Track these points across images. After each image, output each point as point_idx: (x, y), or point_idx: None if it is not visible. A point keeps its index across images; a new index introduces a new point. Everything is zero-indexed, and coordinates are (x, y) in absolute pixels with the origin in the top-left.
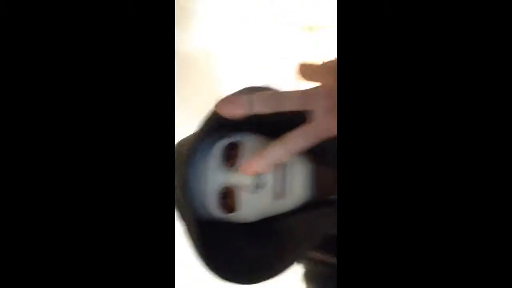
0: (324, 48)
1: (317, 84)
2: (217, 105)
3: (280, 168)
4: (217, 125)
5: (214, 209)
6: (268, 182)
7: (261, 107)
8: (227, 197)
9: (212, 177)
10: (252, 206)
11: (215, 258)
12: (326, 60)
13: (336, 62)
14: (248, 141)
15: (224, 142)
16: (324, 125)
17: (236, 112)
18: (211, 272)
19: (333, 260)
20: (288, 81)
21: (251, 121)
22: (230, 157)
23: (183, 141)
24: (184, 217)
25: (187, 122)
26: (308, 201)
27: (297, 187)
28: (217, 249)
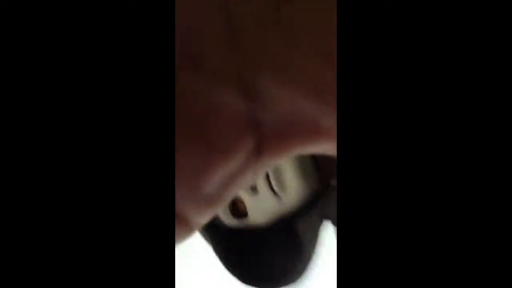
0: None
1: None
2: None
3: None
4: None
5: (227, 218)
6: (261, 185)
7: None
8: (236, 203)
9: None
10: (258, 211)
11: (239, 265)
12: None
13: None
14: None
15: None
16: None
17: None
18: (242, 282)
19: None
20: None
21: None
22: None
23: None
24: (202, 231)
25: None
26: (316, 190)
27: (293, 180)
28: (239, 255)
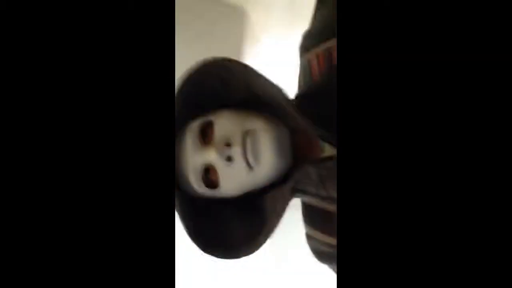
0: None
1: None
2: None
3: (248, 137)
4: (188, 104)
5: (197, 186)
6: (237, 154)
7: None
8: (209, 173)
9: (191, 158)
10: (230, 180)
11: (202, 233)
12: None
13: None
14: (221, 117)
15: (197, 122)
16: None
17: None
18: (199, 247)
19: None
20: None
21: (223, 96)
22: (205, 135)
23: None
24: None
25: None
26: (288, 168)
27: (268, 154)
28: (204, 224)
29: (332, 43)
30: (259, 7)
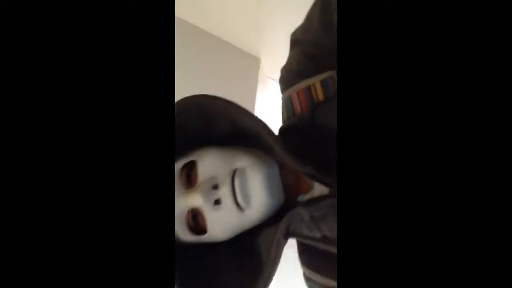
0: None
1: None
2: None
3: (237, 176)
4: None
5: (183, 233)
6: (225, 196)
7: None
8: (196, 218)
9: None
10: (218, 225)
11: (190, 283)
12: None
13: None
14: (205, 156)
15: (179, 164)
16: None
17: None
18: None
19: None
20: None
21: (206, 134)
22: (188, 177)
23: None
24: None
25: None
26: (280, 206)
27: (259, 194)
28: (191, 273)
29: (312, 81)
30: (269, 53)
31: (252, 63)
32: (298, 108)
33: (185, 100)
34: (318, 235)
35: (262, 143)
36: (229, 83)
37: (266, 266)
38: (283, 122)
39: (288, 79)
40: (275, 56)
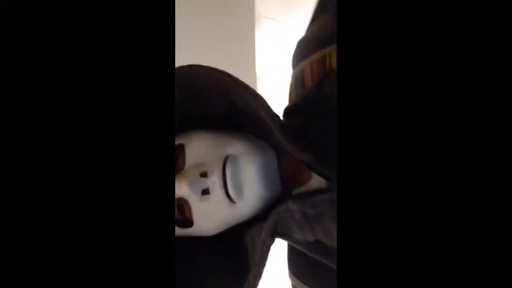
0: None
1: None
2: None
3: (229, 164)
4: None
5: None
6: (215, 186)
7: None
8: (183, 209)
9: None
10: (206, 217)
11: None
12: None
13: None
14: (194, 140)
15: None
16: None
17: None
18: None
19: None
20: None
21: (199, 113)
22: (175, 163)
23: None
24: None
25: None
26: (275, 200)
27: (253, 184)
28: (179, 272)
29: (329, 50)
30: None
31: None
32: (309, 81)
33: (177, 72)
34: (310, 238)
35: (259, 125)
36: (224, 25)
37: (251, 270)
38: (289, 102)
39: (304, 49)
40: None
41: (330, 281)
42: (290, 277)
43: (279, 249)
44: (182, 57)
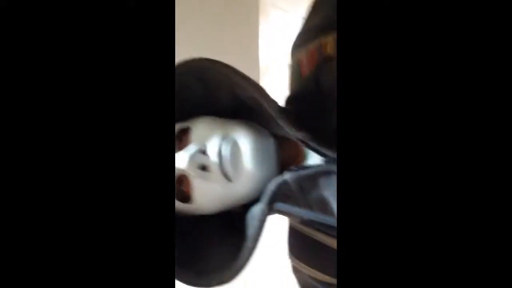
0: None
1: None
2: None
3: (226, 144)
4: None
5: None
6: (213, 164)
7: None
8: (182, 184)
9: None
10: (204, 194)
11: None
12: None
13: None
14: (200, 124)
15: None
16: None
17: None
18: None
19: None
20: None
21: (205, 102)
22: (180, 142)
23: None
24: None
25: None
26: (272, 179)
27: (249, 165)
28: (177, 247)
29: (325, 39)
30: None
31: None
32: (306, 70)
33: (185, 64)
34: (308, 213)
35: (260, 114)
36: (228, 15)
37: (247, 245)
38: (287, 90)
39: (302, 38)
40: None
41: (330, 261)
42: (290, 258)
43: (278, 232)
44: (186, 47)
